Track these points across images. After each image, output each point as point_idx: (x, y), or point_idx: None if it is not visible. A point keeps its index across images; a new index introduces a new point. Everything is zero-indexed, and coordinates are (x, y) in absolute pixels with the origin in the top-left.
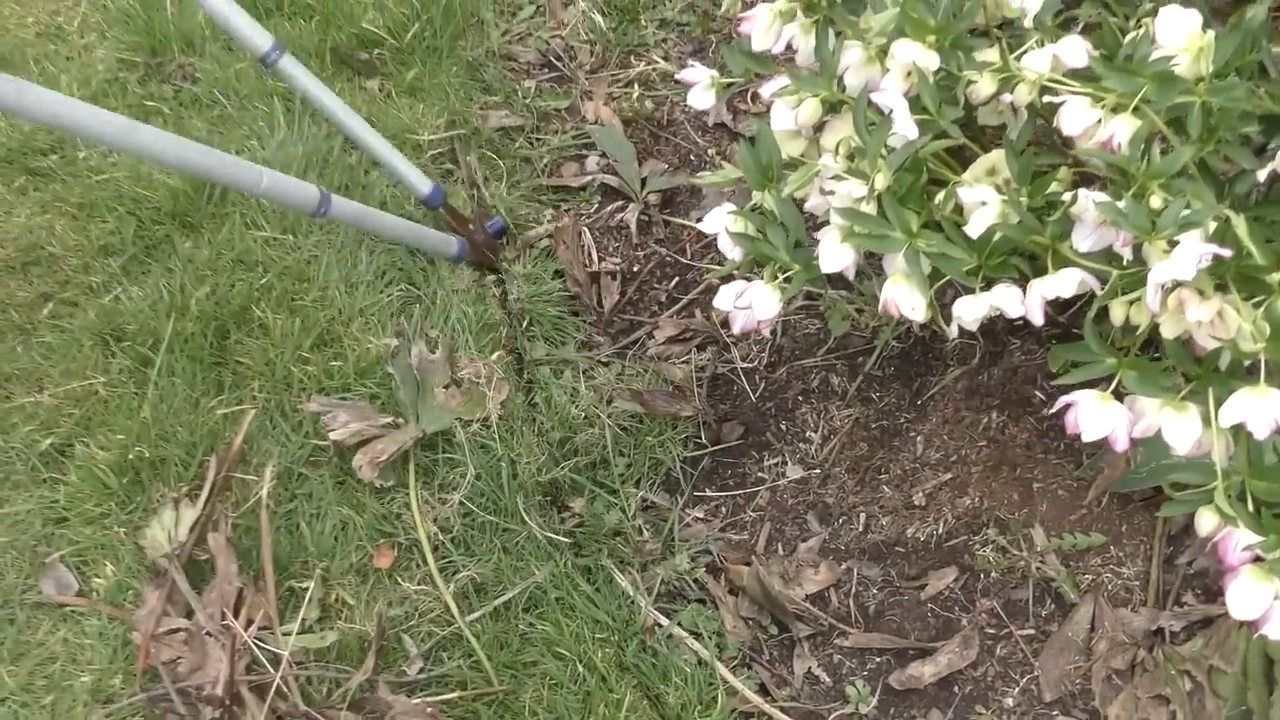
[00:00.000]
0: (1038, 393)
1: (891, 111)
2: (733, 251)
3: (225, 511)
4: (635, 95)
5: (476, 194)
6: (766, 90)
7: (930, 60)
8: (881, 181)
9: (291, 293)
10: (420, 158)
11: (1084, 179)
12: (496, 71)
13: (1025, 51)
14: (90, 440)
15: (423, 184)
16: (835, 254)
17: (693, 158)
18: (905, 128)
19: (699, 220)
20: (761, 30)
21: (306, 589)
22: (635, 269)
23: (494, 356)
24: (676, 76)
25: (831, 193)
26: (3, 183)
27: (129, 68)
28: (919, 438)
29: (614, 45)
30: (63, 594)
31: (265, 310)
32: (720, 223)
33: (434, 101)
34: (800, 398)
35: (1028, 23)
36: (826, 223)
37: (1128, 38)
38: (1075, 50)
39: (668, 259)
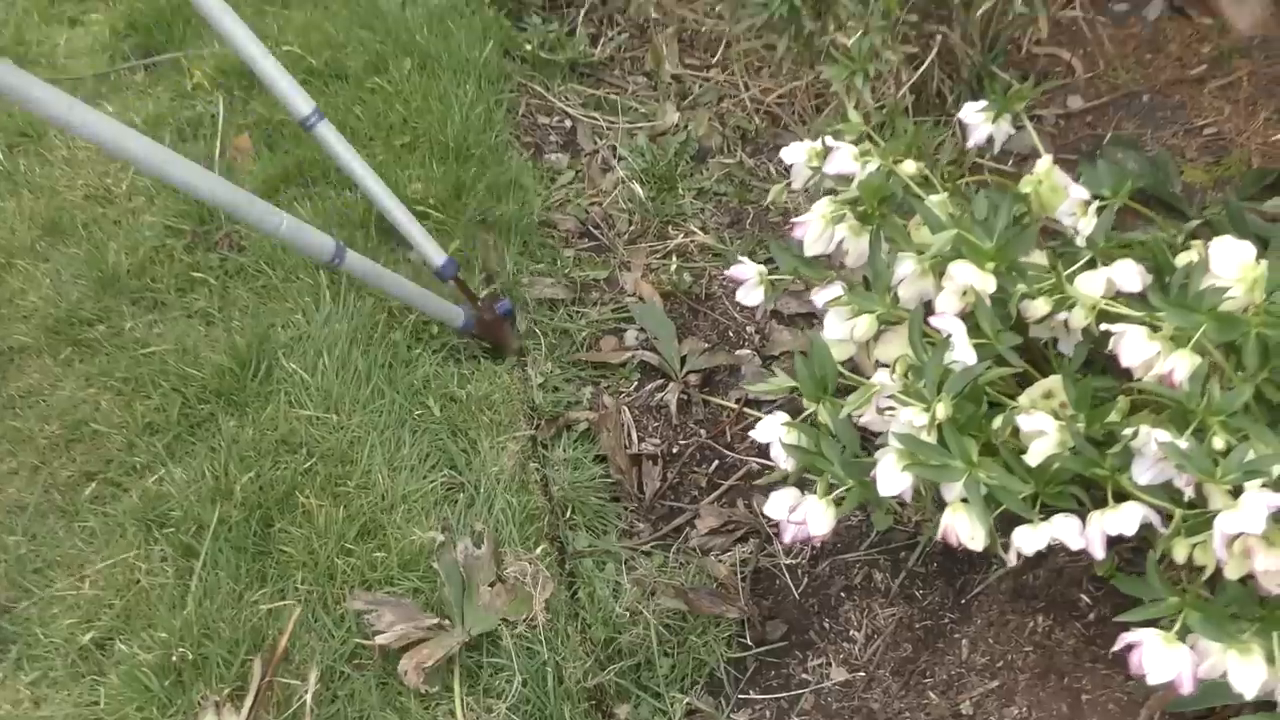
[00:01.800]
0: (1084, 596)
1: (950, 335)
2: (785, 462)
3: (267, 717)
4: (674, 267)
5: (522, 371)
6: (819, 298)
7: (988, 284)
8: (943, 412)
9: (335, 477)
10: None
11: (1143, 400)
12: (539, 240)
13: (1077, 269)
14: (131, 637)
15: (438, 255)
16: (894, 479)
17: (731, 334)
18: (965, 354)
19: (738, 401)
20: (814, 236)
21: None
22: (675, 450)
23: (538, 551)
24: (726, 272)
25: (890, 411)
26: (49, 354)
27: (175, 235)
28: (964, 640)
29: (652, 214)
30: None
31: (309, 496)
32: (773, 433)
33: (478, 272)
34: (843, 594)
35: (1079, 241)
36: (881, 434)
37: (1179, 260)
38: (1129, 275)
39: (707, 441)
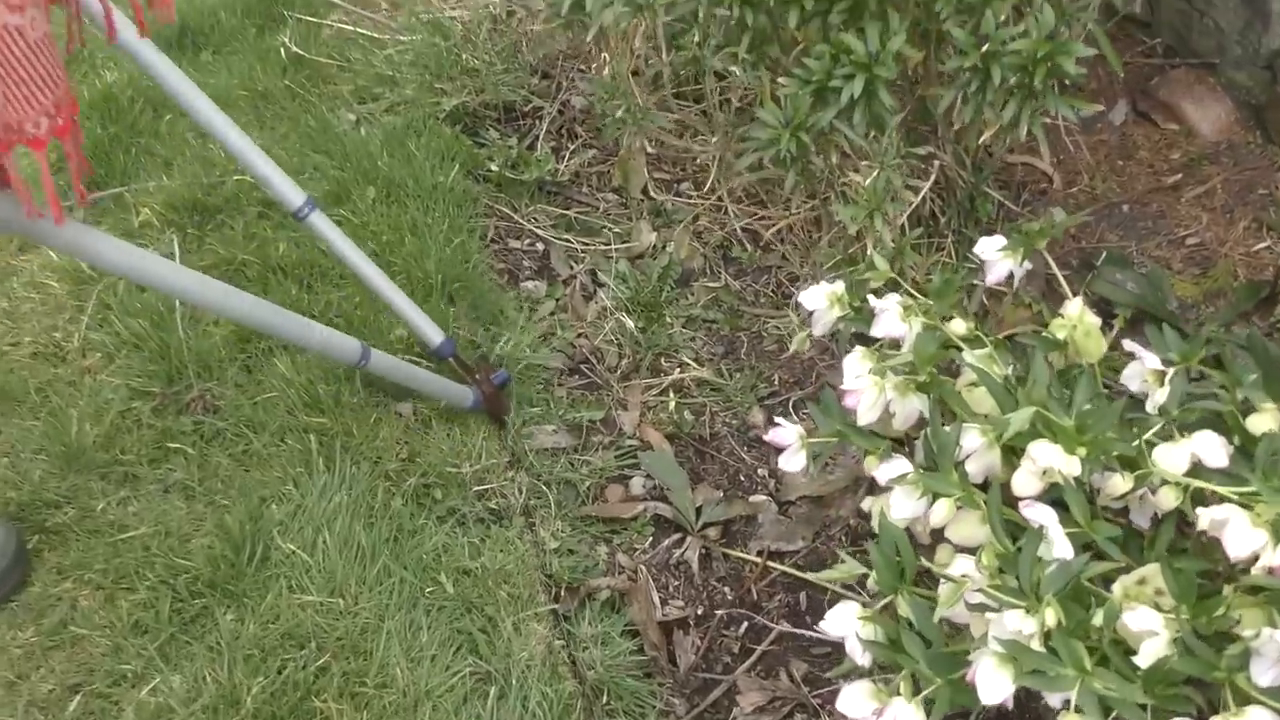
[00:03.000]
0: None
1: (1043, 528)
2: (862, 657)
3: None
4: (673, 405)
5: (533, 534)
6: (882, 474)
7: (1074, 467)
8: (1051, 619)
9: (351, 674)
10: (464, 495)
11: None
12: (530, 378)
13: (1151, 436)
14: None
15: (435, 335)
16: (996, 685)
17: (743, 478)
18: (1063, 549)
19: (760, 554)
20: (867, 405)
21: None
22: (700, 612)
23: None
24: (765, 438)
25: (979, 608)
26: None
27: (142, 397)
28: None
29: (643, 347)
30: None
31: (327, 700)
32: (848, 626)
33: (473, 426)
34: None
35: (1150, 407)
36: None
37: (1252, 425)
38: (1214, 449)
39: (733, 599)
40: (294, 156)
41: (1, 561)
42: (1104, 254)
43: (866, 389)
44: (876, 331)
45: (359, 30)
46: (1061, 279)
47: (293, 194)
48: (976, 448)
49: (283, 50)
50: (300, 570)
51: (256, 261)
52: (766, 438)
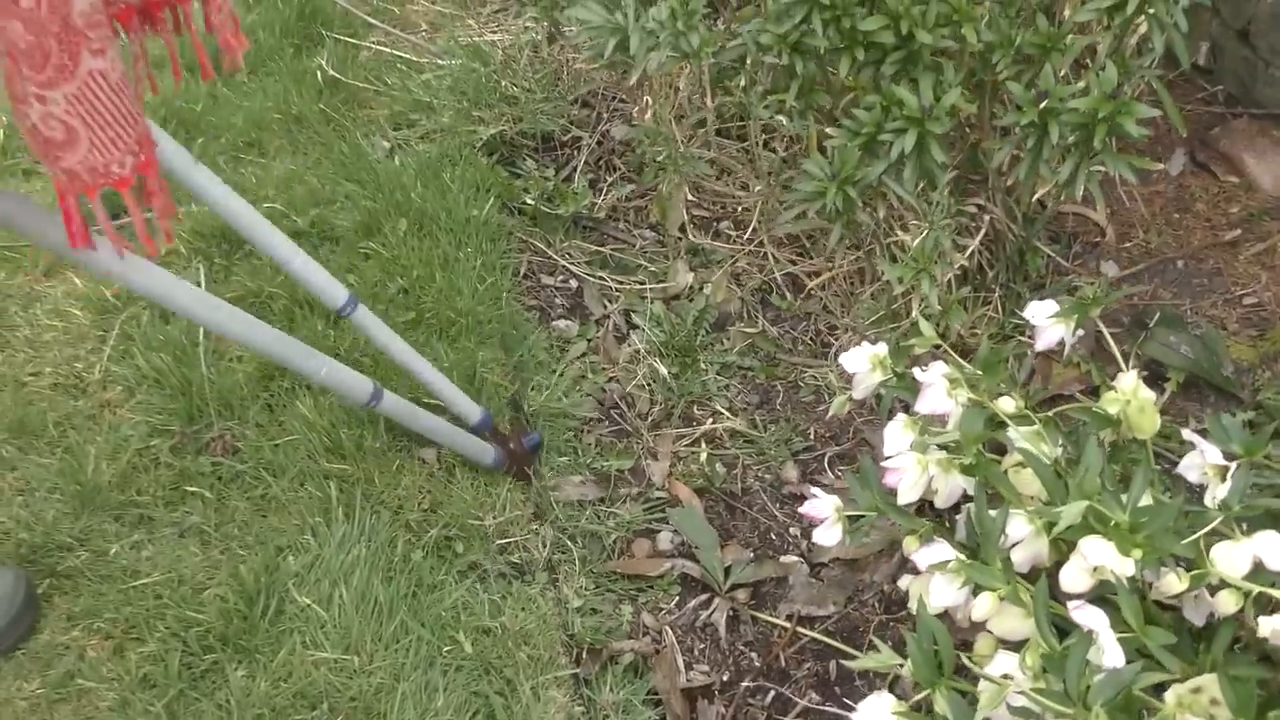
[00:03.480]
0: None
1: (1093, 632)
2: None
3: None
4: (704, 456)
5: (556, 591)
6: (924, 559)
7: (1127, 567)
8: None
9: None
10: (487, 549)
11: None
12: (560, 424)
13: (1205, 533)
14: None
15: (474, 413)
16: None
17: (773, 536)
18: (1114, 657)
19: (789, 618)
20: (910, 484)
21: None
22: (726, 678)
23: None
24: (800, 510)
25: (1022, 712)
26: None
27: (161, 434)
28: None
29: (675, 394)
30: None
31: None
32: None
33: (497, 475)
34: None
35: (1209, 500)
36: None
37: None
38: (1278, 552)
39: (760, 666)
40: (326, 184)
41: (10, 609)
42: (1157, 313)
43: (909, 467)
44: (921, 408)
45: (397, 53)
46: (1110, 339)
47: (337, 293)
48: (1024, 536)
49: (319, 73)
50: (315, 626)
51: (283, 295)
52: (801, 510)
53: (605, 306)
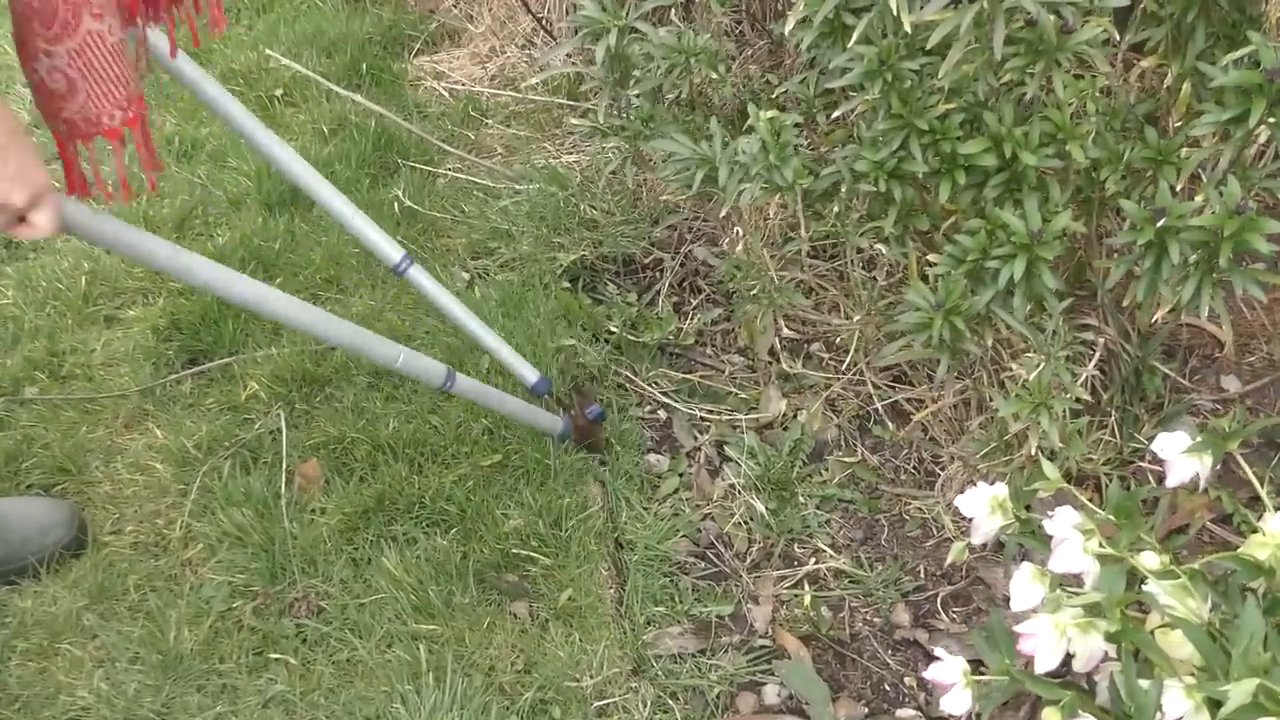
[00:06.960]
0: None
1: None
2: None
3: None
4: (808, 600)
5: None
6: None
7: None
8: None
9: None
10: (584, 712)
11: None
12: (655, 574)
13: None
14: None
15: (531, 375)
16: None
17: (887, 686)
18: None
19: None
20: (1048, 650)
21: None
22: None
23: None
24: (922, 675)
25: None
26: None
27: (243, 596)
28: None
29: (774, 532)
30: None
31: None
32: None
33: (593, 628)
34: None
35: None
36: None
37: None
38: None
39: None
40: (405, 320)
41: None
42: None
43: (1046, 632)
44: (1055, 566)
45: (473, 179)
46: (1241, 460)
47: (391, 251)
48: (1183, 713)
49: (396, 204)
50: None
51: (365, 440)
52: (924, 675)
53: (696, 438)
